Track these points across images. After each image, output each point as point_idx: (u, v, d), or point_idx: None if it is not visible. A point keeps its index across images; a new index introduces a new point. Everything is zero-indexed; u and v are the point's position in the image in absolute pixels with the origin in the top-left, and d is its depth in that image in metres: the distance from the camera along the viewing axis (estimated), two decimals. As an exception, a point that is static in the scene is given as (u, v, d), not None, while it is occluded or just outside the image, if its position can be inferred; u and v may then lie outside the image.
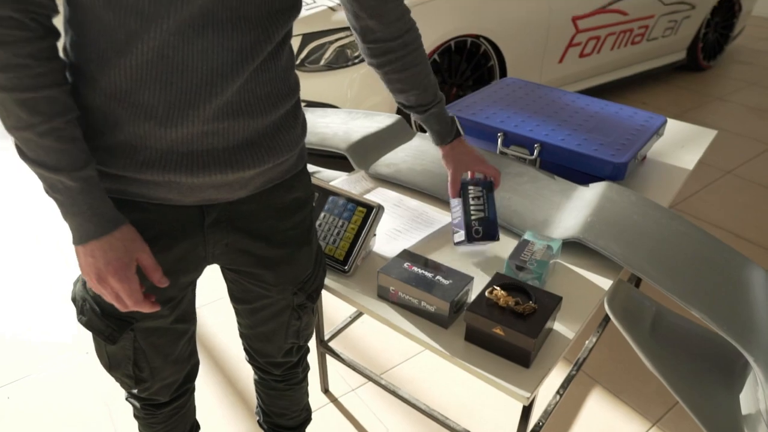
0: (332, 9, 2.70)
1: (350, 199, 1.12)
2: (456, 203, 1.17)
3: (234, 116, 0.74)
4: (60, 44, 0.97)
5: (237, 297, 1.00)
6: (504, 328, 0.88)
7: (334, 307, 1.92)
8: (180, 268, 0.85)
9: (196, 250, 0.85)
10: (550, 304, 0.92)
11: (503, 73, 3.00)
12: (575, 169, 1.37)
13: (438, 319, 0.97)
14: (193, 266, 0.87)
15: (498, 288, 0.94)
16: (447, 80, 2.81)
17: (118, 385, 1.41)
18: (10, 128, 0.65)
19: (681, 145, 1.65)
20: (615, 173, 1.32)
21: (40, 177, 0.68)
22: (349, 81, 2.62)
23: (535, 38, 3.06)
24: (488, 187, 1.16)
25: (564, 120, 1.51)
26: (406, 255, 1.05)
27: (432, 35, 2.63)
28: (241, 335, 1.10)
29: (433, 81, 1.06)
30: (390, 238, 1.21)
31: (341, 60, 2.64)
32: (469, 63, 2.87)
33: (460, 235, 1.14)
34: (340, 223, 1.11)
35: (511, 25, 2.91)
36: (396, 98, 1.08)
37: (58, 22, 3.22)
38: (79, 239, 0.71)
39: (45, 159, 0.66)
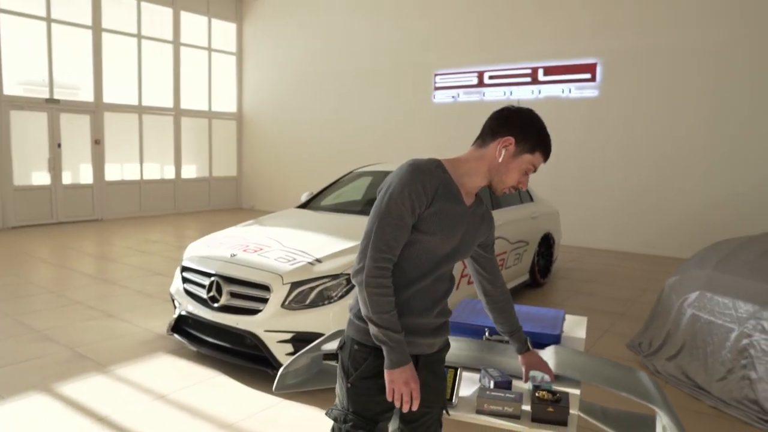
0: (311, 264, 3.77)
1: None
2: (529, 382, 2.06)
3: (443, 315, 1.76)
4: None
5: (407, 418, 1.85)
6: (555, 406, 1.87)
7: None
8: None
9: None
10: (564, 395, 1.94)
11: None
12: (536, 341, 2.47)
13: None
14: None
15: (540, 391, 1.95)
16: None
17: None
18: (381, 312, 1.60)
19: (574, 324, 2.85)
20: (556, 340, 2.44)
21: (385, 335, 1.59)
22: (332, 314, 3.60)
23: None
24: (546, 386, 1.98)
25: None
26: (484, 388, 2.01)
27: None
28: None
29: (515, 318, 2.09)
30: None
31: (321, 300, 3.65)
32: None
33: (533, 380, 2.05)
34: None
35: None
36: (495, 326, 2.10)
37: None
38: (397, 364, 1.60)
39: (392, 329, 1.60)
